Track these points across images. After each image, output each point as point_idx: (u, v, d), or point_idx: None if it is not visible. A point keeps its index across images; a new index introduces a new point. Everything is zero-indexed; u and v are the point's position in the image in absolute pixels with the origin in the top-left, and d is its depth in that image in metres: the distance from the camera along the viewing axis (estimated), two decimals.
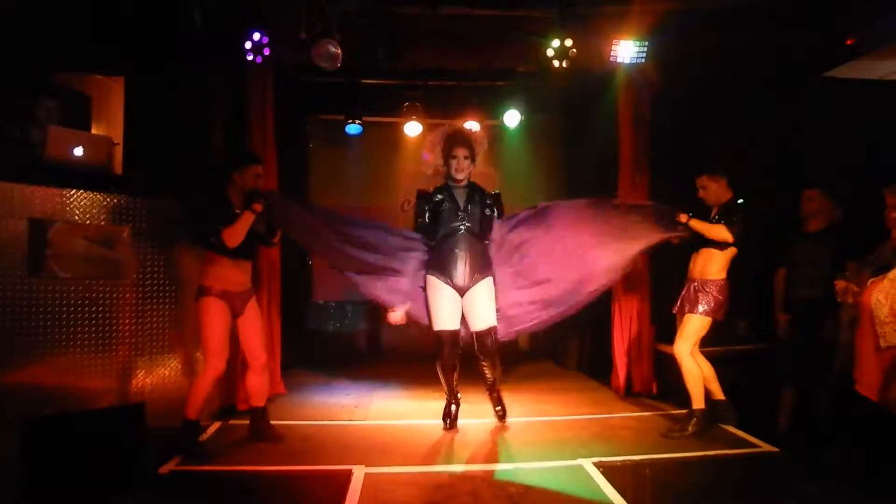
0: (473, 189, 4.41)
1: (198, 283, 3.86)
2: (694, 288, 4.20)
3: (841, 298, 3.69)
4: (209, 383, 3.84)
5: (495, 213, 4.45)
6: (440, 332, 4.28)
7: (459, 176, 4.33)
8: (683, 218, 4.09)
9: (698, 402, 4.16)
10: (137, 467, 3.60)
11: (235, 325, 3.96)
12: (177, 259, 4.13)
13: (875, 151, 4.51)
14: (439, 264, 4.29)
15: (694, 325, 4.14)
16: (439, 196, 4.36)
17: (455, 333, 4.30)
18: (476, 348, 4.30)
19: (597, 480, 3.41)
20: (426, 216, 4.36)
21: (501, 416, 4.52)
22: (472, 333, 4.32)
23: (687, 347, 4.15)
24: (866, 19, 4.36)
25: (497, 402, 4.53)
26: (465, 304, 4.31)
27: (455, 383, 4.43)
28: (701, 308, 4.12)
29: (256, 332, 4.01)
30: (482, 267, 4.31)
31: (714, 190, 4.23)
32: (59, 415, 3.54)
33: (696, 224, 4.11)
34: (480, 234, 4.36)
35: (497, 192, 4.55)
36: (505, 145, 7.15)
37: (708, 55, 5.13)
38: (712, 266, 4.15)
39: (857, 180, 4.22)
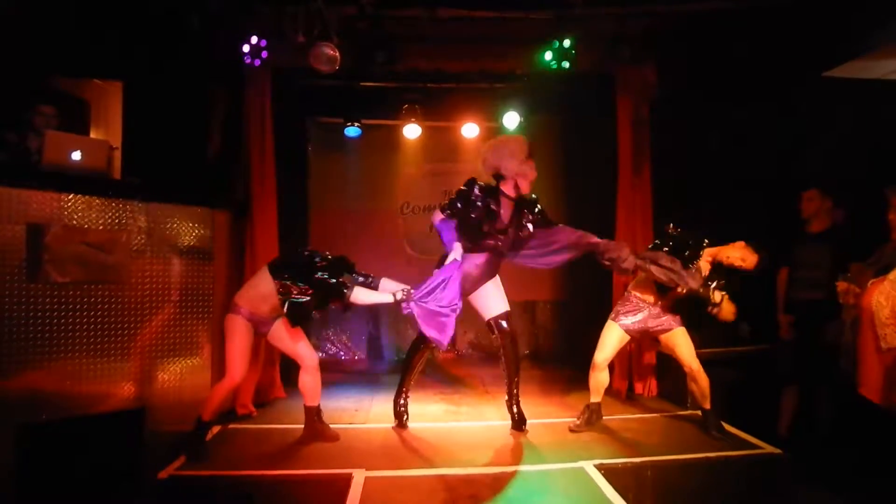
0: (520, 204, 4.20)
1: (233, 297, 3.99)
2: (660, 309, 4.23)
3: (842, 300, 3.69)
4: (226, 391, 3.94)
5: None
6: None
7: (524, 190, 4.17)
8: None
9: (708, 403, 4.23)
10: (137, 472, 3.59)
11: (268, 339, 4.12)
12: (175, 263, 4.12)
13: (876, 151, 4.50)
14: None
15: (687, 337, 4.22)
16: (492, 205, 4.13)
17: None
18: (495, 334, 4.32)
19: (598, 483, 3.40)
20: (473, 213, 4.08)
21: (517, 425, 4.38)
22: (487, 323, 4.34)
23: (696, 359, 4.20)
24: (866, 21, 4.35)
25: (517, 412, 4.42)
26: (474, 299, 4.34)
27: (413, 378, 4.52)
28: (677, 320, 4.22)
29: (292, 338, 4.08)
30: None
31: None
32: (57, 420, 3.53)
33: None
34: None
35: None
36: None
37: (707, 56, 5.12)
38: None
39: (859, 181, 4.22)
